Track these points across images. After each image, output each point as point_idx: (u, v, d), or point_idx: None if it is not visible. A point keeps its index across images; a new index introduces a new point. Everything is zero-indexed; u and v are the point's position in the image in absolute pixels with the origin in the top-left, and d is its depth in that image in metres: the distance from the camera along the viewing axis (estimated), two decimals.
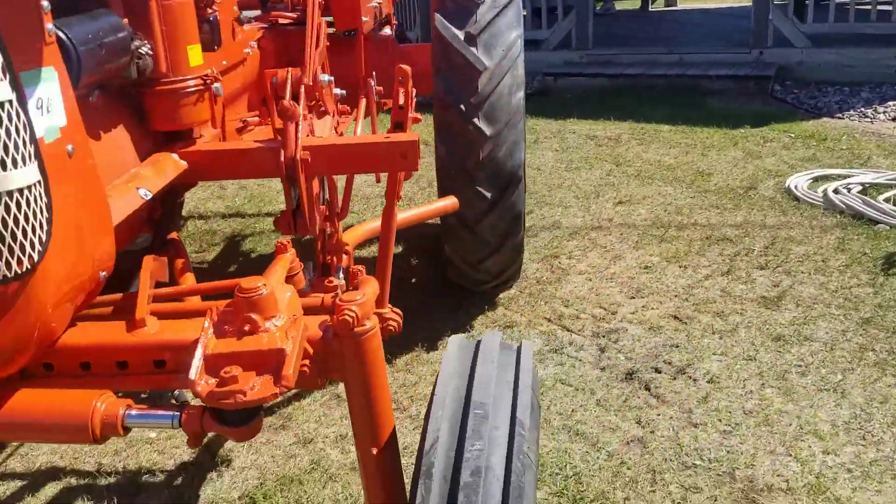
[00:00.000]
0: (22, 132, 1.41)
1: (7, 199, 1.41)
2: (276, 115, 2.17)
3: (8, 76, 1.35)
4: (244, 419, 1.56)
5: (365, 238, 3.05)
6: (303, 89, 2.24)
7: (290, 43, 3.87)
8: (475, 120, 3.50)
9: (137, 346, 1.70)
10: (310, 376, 1.68)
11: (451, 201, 3.47)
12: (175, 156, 2.22)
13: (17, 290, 1.45)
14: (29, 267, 1.45)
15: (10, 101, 1.38)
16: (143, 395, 3.13)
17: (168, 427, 1.58)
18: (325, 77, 2.33)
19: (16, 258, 1.44)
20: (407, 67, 2.27)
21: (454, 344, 1.83)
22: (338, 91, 2.67)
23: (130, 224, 2.17)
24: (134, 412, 1.59)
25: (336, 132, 2.64)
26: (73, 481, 3.08)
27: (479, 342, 1.84)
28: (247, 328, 1.59)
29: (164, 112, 2.18)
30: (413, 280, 4.64)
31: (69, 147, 1.55)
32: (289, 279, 1.99)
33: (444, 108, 3.56)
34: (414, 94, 2.46)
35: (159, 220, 2.34)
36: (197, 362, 1.55)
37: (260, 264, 4.87)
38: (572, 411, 3.38)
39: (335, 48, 3.60)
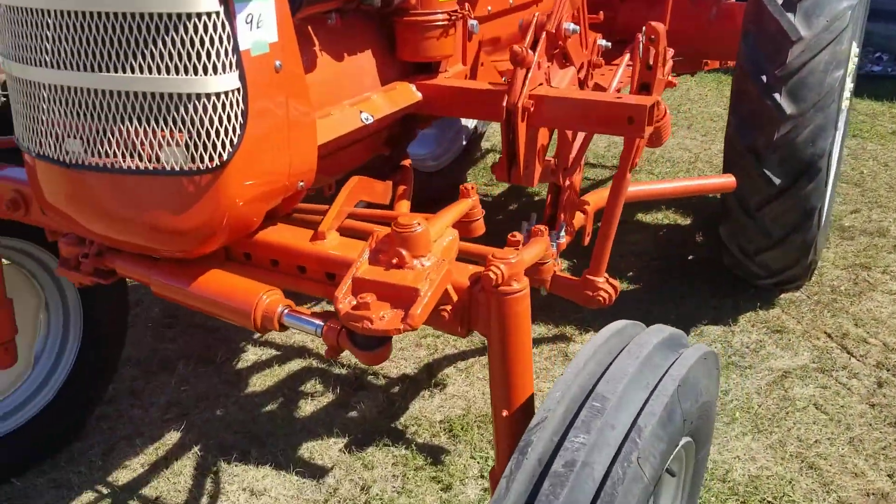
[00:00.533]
0: (226, 43, 1.55)
1: (206, 100, 1.57)
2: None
3: None
4: (371, 344, 1.61)
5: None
6: (544, 35, 2.17)
7: None
8: (776, 95, 3.12)
9: (315, 256, 1.81)
10: (449, 322, 1.67)
11: (727, 180, 3.15)
12: (413, 86, 2.29)
13: (208, 182, 1.62)
14: (219, 164, 1.61)
15: (217, 13, 1.52)
16: None
17: (313, 334, 1.68)
18: (571, 26, 2.22)
19: (208, 154, 1.60)
20: (658, 25, 2.08)
21: (611, 328, 1.69)
22: (602, 42, 2.53)
23: (364, 144, 2.30)
24: (290, 313, 1.71)
25: (588, 86, 2.51)
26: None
27: (637, 333, 1.68)
28: (394, 261, 1.62)
29: (409, 42, 2.25)
30: (689, 257, 4.35)
31: (277, 62, 1.67)
32: (468, 224, 1.97)
33: (743, 76, 3.23)
34: (670, 55, 2.25)
35: (395, 145, 2.45)
36: (347, 282, 1.62)
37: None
38: (815, 441, 2.98)
39: None
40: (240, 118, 1.60)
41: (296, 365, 3.42)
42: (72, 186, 1.71)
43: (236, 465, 2.83)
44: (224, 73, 1.55)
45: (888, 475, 2.82)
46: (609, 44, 2.58)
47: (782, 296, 3.92)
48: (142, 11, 1.48)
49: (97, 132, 1.61)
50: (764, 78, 3.15)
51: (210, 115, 1.57)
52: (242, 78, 1.58)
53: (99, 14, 1.50)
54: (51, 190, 1.77)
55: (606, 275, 2.48)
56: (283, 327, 1.71)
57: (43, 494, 2.67)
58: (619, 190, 2.35)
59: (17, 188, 2.07)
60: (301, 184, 1.84)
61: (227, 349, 3.50)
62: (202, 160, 1.60)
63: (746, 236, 3.51)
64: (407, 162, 2.50)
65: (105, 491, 2.71)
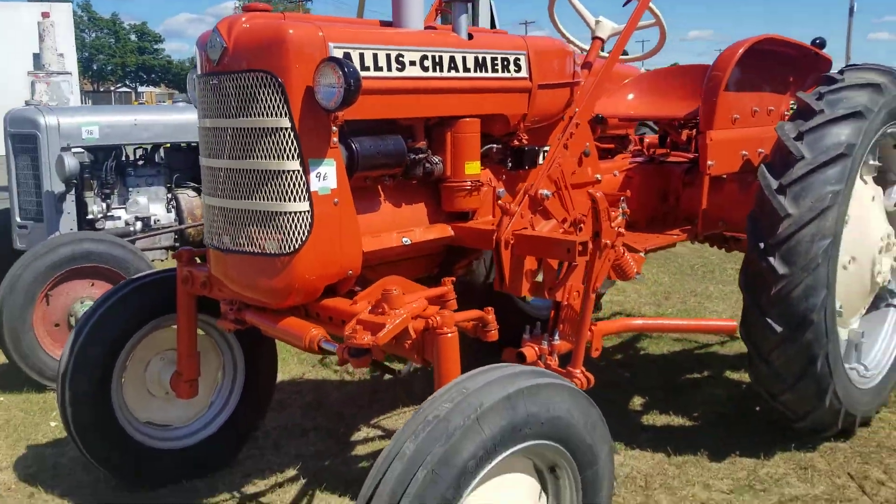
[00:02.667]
0: (302, 186, 2.89)
1: (291, 215, 2.91)
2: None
3: (299, 159, 2.85)
4: (357, 354, 2.76)
5: (618, 329, 3.86)
6: (526, 197, 3.31)
7: (667, 175, 4.83)
8: (770, 258, 3.94)
9: (348, 313, 3.00)
10: (409, 351, 2.78)
11: (729, 324, 3.96)
12: (449, 227, 3.51)
13: (288, 261, 2.92)
14: (293, 249, 2.91)
15: (298, 171, 2.88)
16: None
17: (334, 353, 2.87)
18: (545, 192, 3.34)
19: (288, 244, 2.92)
20: (597, 193, 3.15)
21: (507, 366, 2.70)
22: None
23: (415, 262, 3.52)
24: (325, 342, 2.91)
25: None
26: None
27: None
28: (380, 311, 2.78)
29: (447, 199, 3.49)
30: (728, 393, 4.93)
31: (335, 200, 2.97)
32: (442, 300, 3.04)
33: (749, 244, 4.09)
34: (616, 213, 3.28)
35: (441, 267, 3.65)
36: (353, 321, 2.81)
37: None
38: None
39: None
40: (308, 227, 2.90)
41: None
42: (222, 263, 3.10)
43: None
44: (299, 201, 2.88)
45: None
46: (625, 209, 3.58)
47: (826, 444, 4.42)
48: (259, 169, 2.88)
49: (235, 231, 2.99)
50: (762, 244, 3.99)
51: (291, 223, 2.90)
52: (311, 205, 2.90)
53: (239, 170, 2.92)
54: (214, 266, 3.17)
55: (582, 368, 3.43)
56: (321, 350, 2.91)
57: (199, 493, 3.94)
58: (586, 305, 3.34)
59: (207, 274, 3.51)
60: (350, 272, 3.09)
61: (347, 426, 4.70)
62: (286, 248, 2.91)
63: (766, 379, 4.18)
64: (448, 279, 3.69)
65: (237, 496, 3.93)
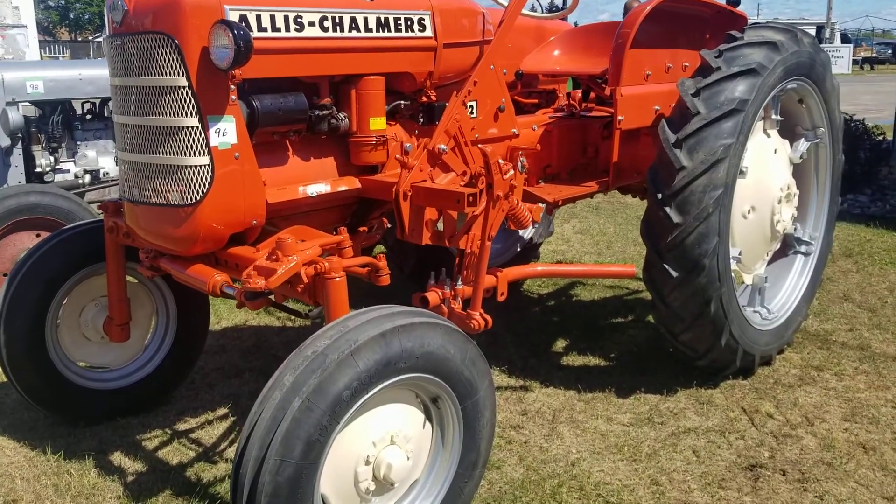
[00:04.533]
0: (201, 142, 3.10)
1: (192, 168, 3.12)
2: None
3: (197, 116, 3.06)
4: (253, 297, 3.01)
5: (521, 276, 4.13)
6: (425, 151, 3.54)
7: (586, 129, 5.05)
8: (666, 208, 4.20)
9: (250, 260, 3.23)
10: (301, 293, 3.03)
11: (626, 269, 4.24)
12: (356, 180, 3.73)
13: (189, 212, 3.14)
14: (195, 201, 3.13)
15: (197, 126, 3.09)
16: None
17: (233, 298, 3.11)
18: (442, 146, 3.57)
19: (190, 196, 3.14)
20: (485, 148, 3.38)
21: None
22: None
23: (329, 212, 3.74)
24: (226, 287, 3.16)
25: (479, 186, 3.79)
26: None
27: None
28: (274, 257, 3.02)
29: (353, 153, 3.72)
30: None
31: (236, 154, 3.19)
32: (339, 247, 3.27)
33: (649, 194, 4.34)
34: (507, 167, 3.51)
35: (355, 217, 3.89)
36: (251, 267, 3.05)
37: None
38: (673, 470, 3.83)
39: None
40: (208, 180, 3.12)
41: None
42: (135, 214, 3.32)
43: None
44: (199, 156, 3.10)
45: (710, 496, 3.63)
46: (524, 163, 3.80)
47: (727, 381, 4.74)
48: (160, 125, 3.09)
49: (143, 184, 3.21)
50: (660, 195, 4.24)
51: (192, 176, 3.12)
52: (211, 159, 3.12)
53: (142, 126, 3.13)
54: (128, 217, 3.40)
55: (481, 310, 3.70)
56: (223, 293, 3.16)
57: (134, 430, 4.22)
58: (482, 252, 3.59)
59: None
60: (254, 222, 3.32)
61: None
62: (188, 199, 3.13)
63: (667, 320, 4.48)
64: (363, 228, 3.92)
65: (169, 432, 4.21)
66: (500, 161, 3.54)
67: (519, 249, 6.39)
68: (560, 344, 5.40)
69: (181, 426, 4.29)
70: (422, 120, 4.04)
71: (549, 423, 4.31)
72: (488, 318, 3.69)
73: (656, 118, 4.92)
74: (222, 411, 4.46)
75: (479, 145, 3.38)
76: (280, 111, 3.34)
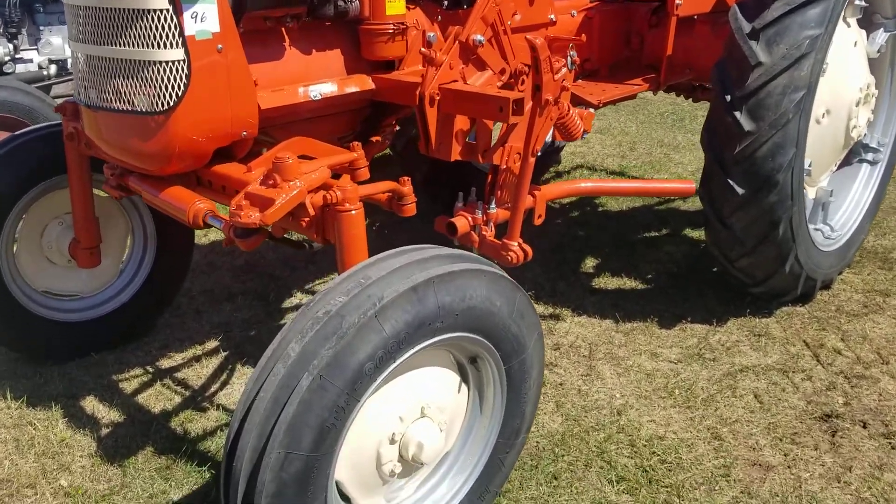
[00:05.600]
0: (174, 30, 2.39)
1: (162, 65, 2.42)
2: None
3: None
4: (245, 234, 2.37)
5: (563, 194, 3.48)
6: (456, 44, 2.82)
7: (631, 15, 4.31)
8: (736, 113, 3.52)
9: (240, 181, 2.58)
10: (306, 229, 2.39)
11: (686, 185, 3.60)
12: (369, 79, 3.03)
13: (163, 121, 2.46)
14: (167, 107, 2.44)
15: (167, 10, 2.37)
16: None
17: (219, 229, 2.47)
18: (479, 37, 2.84)
19: (161, 101, 2.45)
20: (537, 39, 2.66)
21: (410, 248, 2.32)
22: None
23: (337, 118, 3.06)
24: (211, 217, 2.51)
25: (519, 88, 3.09)
26: None
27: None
28: (270, 182, 2.36)
29: (366, 45, 2.99)
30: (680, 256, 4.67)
31: (219, 46, 2.48)
32: (351, 167, 2.62)
33: (713, 95, 3.66)
34: (561, 64, 2.82)
35: (367, 124, 3.20)
36: (241, 194, 2.39)
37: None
38: (735, 421, 3.32)
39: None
40: (184, 79, 2.43)
41: None
42: (93, 122, 2.63)
43: (251, 370, 3.67)
44: (172, 48, 2.39)
45: (784, 454, 3.12)
46: (574, 57, 3.09)
47: (783, 309, 4.19)
48: (118, 7, 2.36)
49: (101, 85, 2.51)
50: (728, 97, 3.56)
51: (163, 75, 2.42)
52: (187, 53, 2.41)
53: (97, 8, 2.40)
54: (86, 125, 2.70)
55: (520, 240, 3.08)
56: (206, 224, 2.51)
57: (110, 367, 3.66)
58: (523, 171, 2.94)
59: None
60: (244, 133, 2.64)
61: (279, 291, 4.39)
62: (159, 105, 2.45)
63: (724, 243, 3.87)
64: (376, 138, 3.24)
65: (150, 371, 3.65)
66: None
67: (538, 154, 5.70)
68: (590, 263, 4.81)
69: (164, 363, 3.74)
70: (446, 3, 3.31)
71: (585, 361, 3.77)
72: (528, 248, 3.08)
73: (717, 2, 4.17)
74: (212, 344, 3.89)
75: (528, 36, 2.67)
76: None
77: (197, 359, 3.75)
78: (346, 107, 3.08)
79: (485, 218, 3.10)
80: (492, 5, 2.89)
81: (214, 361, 3.74)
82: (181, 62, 2.42)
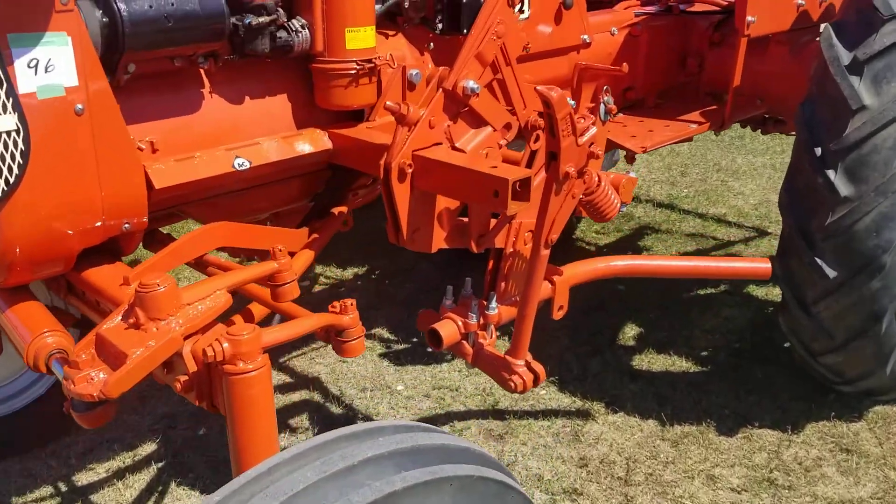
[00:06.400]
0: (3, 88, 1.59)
1: None
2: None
3: None
4: (82, 407, 1.56)
5: (591, 277, 2.61)
6: (439, 93, 1.97)
7: (688, 32, 3.44)
8: (829, 172, 2.62)
9: (113, 300, 1.79)
10: (184, 391, 1.57)
11: (762, 265, 2.70)
12: (325, 135, 2.20)
13: None
14: None
15: None
16: None
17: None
18: (471, 84, 1.98)
19: None
20: (549, 92, 1.80)
21: (369, 425, 1.49)
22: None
23: (272, 189, 2.25)
24: (55, 362, 1.70)
25: (531, 147, 2.24)
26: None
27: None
28: (132, 321, 1.55)
29: (320, 90, 2.17)
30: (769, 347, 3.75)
31: (77, 105, 1.68)
32: (275, 289, 1.81)
33: (798, 145, 2.76)
34: (586, 124, 1.96)
35: (321, 195, 2.36)
36: (91, 336, 1.59)
37: None
38: None
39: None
40: (18, 158, 1.63)
41: (297, 397, 3.44)
42: None
43: (189, 488, 2.89)
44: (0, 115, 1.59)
45: None
46: (609, 105, 2.23)
47: (875, 408, 3.28)
48: None
49: None
50: (818, 150, 2.66)
51: None
52: (23, 120, 1.61)
53: None
54: None
55: (529, 357, 2.23)
56: (49, 370, 1.71)
57: (13, 481, 2.90)
58: (534, 267, 2.09)
59: None
60: (127, 225, 1.84)
61: None
62: None
63: (806, 334, 2.98)
64: (340, 209, 2.41)
65: (64, 489, 2.89)
66: (571, 103, 1.98)
67: None
68: (630, 332, 3.93)
69: (83, 477, 2.96)
70: (440, 26, 2.48)
71: (620, 486, 2.92)
72: (540, 369, 2.23)
73: (798, 18, 3.26)
74: (148, 448, 3.11)
75: (537, 87, 1.81)
76: (170, 18, 1.80)
77: (126, 470, 2.97)
78: (295, 171, 2.26)
79: (482, 321, 2.26)
80: (491, 39, 2.03)
81: (145, 476, 2.95)
82: (13, 133, 1.61)
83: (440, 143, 2.03)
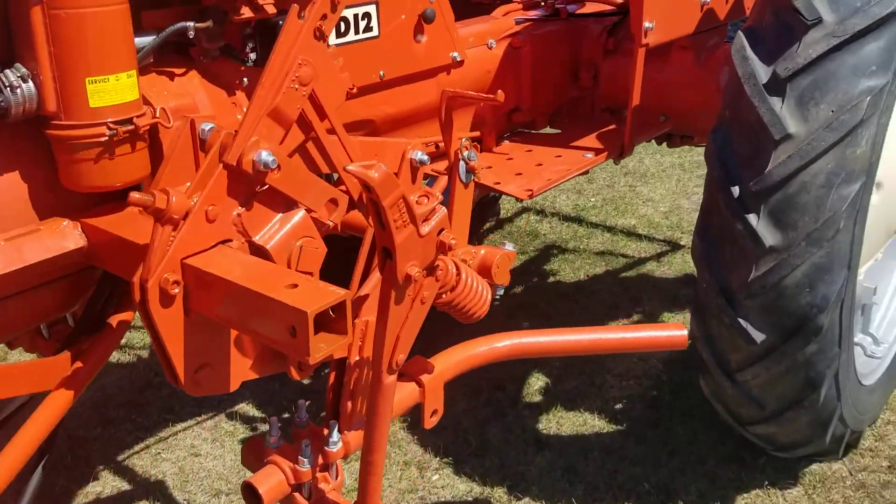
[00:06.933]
0: None
1: None
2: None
3: None
4: None
5: (467, 367, 2.05)
6: (219, 169, 1.37)
7: (579, 38, 2.96)
8: (750, 217, 2.14)
9: None
10: None
11: (675, 333, 2.19)
12: (76, 228, 1.58)
13: None
14: None
15: None
16: None
17: None
18: (264, 156, 1.38)
19: None
20: (369, 173, 1.22)
21: None
22: (423, 158, 1.62)
23: (44, 294, 1.62)
24: None
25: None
26: None
27: None
28: None
29: (61, 165, 1.54)
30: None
31: None
32: None
33: (710, 182, 2.27)
34: (431, 204, 1.40)
35: (92, 300, 1.74)
36: None
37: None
38: None
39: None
40: None
41: None
42: None
43: None
44: None
45: None
46: (471, 161, 1.66)
47: (812, 467, 2.85)
48: None
49: None
50: (736, 190, 2.16)
51: None
52: None
53: None
54: None
55: None
56: None
57: None
58: (376, 401, 1.52)
59: None
60: None
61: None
62: None
63: (732, 401, 2.51)
64: (122, 317, 1.79)
65: None
66: (424, 159, 1.44)
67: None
68: (535, 385, 3.42)
69: None
70: (253, 56, 1.89)
71: None
72: None
73: (703, 18, 2.79)
74: None
75: (348, 167, 1.24)
76: None
77: None
78: (42, 277, 1.62)
79: (321, 463, 1.68)
80: (290, 88, 1.43)
81: None
82: None
83: (229, 240, 1.43)
